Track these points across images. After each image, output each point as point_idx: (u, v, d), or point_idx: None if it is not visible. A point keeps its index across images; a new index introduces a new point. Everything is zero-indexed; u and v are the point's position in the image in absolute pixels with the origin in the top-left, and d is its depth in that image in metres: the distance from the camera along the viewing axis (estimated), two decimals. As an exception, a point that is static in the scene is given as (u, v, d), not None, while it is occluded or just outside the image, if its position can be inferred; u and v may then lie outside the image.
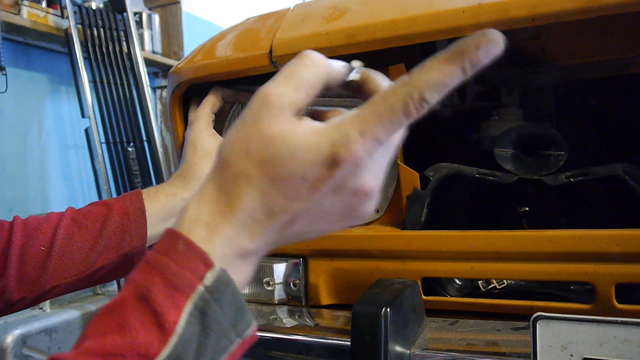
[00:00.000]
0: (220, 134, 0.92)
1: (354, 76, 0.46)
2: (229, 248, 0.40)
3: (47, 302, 2.10)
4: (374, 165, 0.40)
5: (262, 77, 0.90)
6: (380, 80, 0.46)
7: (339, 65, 0.45)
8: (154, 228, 0.83)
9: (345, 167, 0.38)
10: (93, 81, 2.57)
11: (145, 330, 0.36)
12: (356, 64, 0.47)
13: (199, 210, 0.40)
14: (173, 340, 0.36)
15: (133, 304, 0.37)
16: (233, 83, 0.93)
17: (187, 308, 0.37)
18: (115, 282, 2.39)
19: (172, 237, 0.40)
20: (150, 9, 3.34)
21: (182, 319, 0.37)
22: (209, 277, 0.38)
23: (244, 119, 0.40)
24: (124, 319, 0.37)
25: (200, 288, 0.38)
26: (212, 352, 0.38)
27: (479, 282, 0.90)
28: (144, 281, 0.38)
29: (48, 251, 0.76)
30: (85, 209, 0.82)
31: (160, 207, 0.83)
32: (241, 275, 0.42)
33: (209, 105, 0.90)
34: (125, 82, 2.70)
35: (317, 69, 0.42)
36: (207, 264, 0.38)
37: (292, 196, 0.39)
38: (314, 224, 0.42)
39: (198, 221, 0.40)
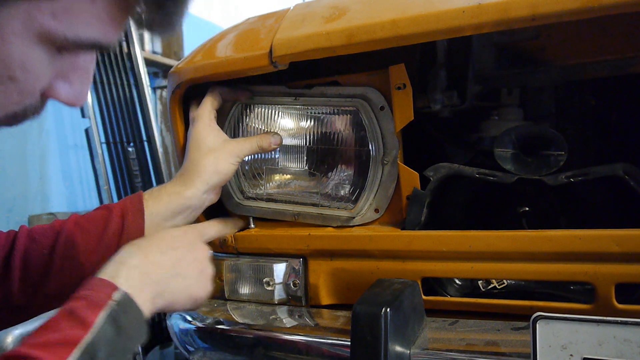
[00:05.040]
0: None
1: None
2: (133, 273, 0.61)
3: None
4: None
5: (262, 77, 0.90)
6: None
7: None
8: (158, 227, 0.83)
9: None
10: (93, 81, 2.57)
11: (72, 328, 0.53)
12: None
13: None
14: (92, 332, 0.53)
15: (62, 317, 0.54)
16: (233, 83, 0.93)
17: (102, 314, 0.55)
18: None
19: (89, 279, 0.59)
20: (150, 9, 3.34)
21: (98, 320, 0.54)
22: (117, 296, 0.57)
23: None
24: (56, 325, 0.53)
25: (112, 303, 0.56)
26: (123, 349, 0.55)
27: (479, 282, 0.90)
28: (71, 305, 0.55)
29: (50, 254, 0.77)
30: (88, 213, 0.83)
31: (163, 206, 0.83)
32: (146, 294, 0.61)
33: (210, 102, 0.90)
34: (125, 82, 2.69)
35: None
36: (114, 288, 0.57)
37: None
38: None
39: (108, 263, 0.62)
